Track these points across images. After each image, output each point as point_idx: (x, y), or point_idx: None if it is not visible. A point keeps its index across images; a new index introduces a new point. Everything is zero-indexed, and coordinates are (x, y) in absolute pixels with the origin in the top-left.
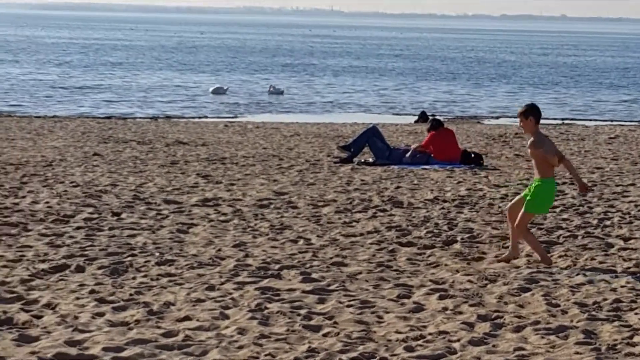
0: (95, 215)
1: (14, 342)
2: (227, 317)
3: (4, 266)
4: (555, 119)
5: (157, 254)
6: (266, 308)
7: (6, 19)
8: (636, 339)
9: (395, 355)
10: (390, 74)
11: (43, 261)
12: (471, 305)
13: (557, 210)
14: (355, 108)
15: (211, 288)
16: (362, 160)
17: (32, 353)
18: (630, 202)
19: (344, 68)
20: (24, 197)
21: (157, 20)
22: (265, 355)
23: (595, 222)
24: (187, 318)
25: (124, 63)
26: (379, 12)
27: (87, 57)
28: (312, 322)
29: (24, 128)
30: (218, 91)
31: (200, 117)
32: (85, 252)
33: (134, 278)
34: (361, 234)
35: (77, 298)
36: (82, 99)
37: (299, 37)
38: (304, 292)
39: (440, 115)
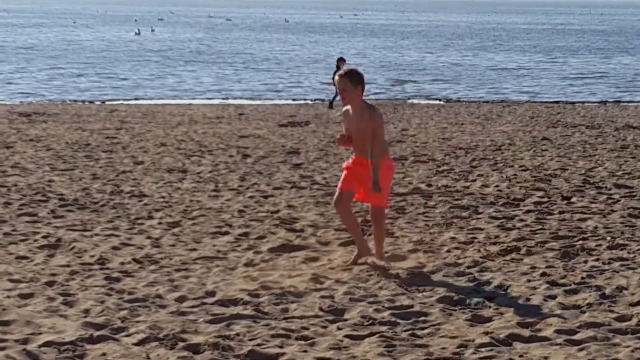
0: (545, 199)
1: (467, 322)
2: None
3: (456, 248)
4: None
5: (609, 238)
6: None
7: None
8: None
9: None
10: None
11: (494, 243)
12: None
13: None
14: None
15: None
16: None
17: (485, 333)
18: None
19: None
20: (474, 180)
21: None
22: None
23: None
24: None
25: (579, 49)
26: None
27: (546, 42)
28: None
29: (473, 113)
30: None
31: None
32: (536, 235)
33: (585, 262)
34: None
35: (529, 280)
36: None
37: None
38: None
39: None
